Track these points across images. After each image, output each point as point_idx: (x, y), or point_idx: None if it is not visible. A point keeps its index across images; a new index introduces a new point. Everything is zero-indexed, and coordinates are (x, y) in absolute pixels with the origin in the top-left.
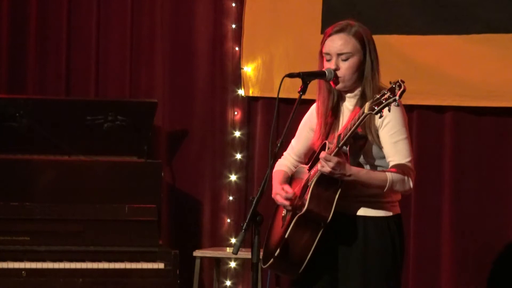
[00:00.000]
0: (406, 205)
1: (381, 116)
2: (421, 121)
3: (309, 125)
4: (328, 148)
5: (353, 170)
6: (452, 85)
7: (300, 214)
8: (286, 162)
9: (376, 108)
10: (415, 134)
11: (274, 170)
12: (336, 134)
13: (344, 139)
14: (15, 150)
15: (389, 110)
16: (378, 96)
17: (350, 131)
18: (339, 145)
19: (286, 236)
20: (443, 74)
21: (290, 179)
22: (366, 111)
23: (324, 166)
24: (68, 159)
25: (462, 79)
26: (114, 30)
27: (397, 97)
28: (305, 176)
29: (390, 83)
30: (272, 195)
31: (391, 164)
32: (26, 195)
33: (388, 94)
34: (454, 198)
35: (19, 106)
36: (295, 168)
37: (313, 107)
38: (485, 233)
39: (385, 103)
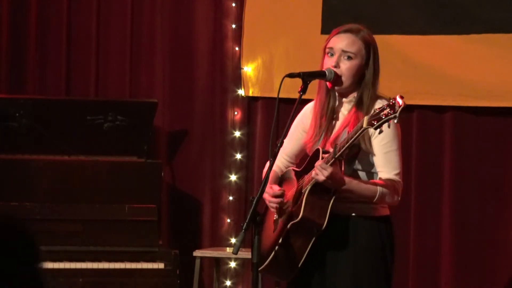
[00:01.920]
0: (406, 205)
1: (380, 132)
2: (421, 121)
3: (301, 126)
4: (322, 157)
5: (345, 180)
6: (452, 85)
7: (294, 221)
8: (277, 162)
9: (375, 123)
10: (415, 134)
11: (264, 170)
12: (329, 142)
13: (341, 151)
14: (15, 150)
15: (388, 126)
16: (377, 111)
17: (348, 144)
18: (335, 156)
19: (279, 242)
20: (443, 74)
21: (280, 181)
22: (364, 125)
23: (319, 174)
24: (68, 159)
25: (462, 79)
26: (114, 30)
27: (397, 114)
28: (294, 179)
29: (390, 99)
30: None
31: (380, 175)
32: (26, 195)
33: (388, 110)
34: (454, 198)
35: (19, 106)
36: (286, 168)
37: (307, 107)
38: (485, 232)
39: (385, 119)
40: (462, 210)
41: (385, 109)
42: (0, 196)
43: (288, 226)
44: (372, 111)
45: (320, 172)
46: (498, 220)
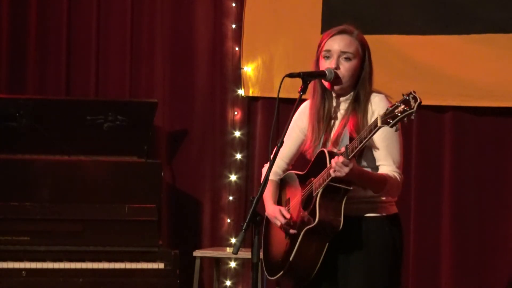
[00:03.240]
0: (406, 205)
1: (396, 130)
2: (421, 121)
3: (298, 126)
4: (335, 156)
5: (360, 171)
6: (452, 85)
7: (310, 226)
8: (274, 167)
9: (390, 121)
10: (415, 134)
11: (263, 170)
12: (331, 142)
13: (354, 151)
14: (15, 150)
15: (396, 130)
16: (390, 109)
17: (361, 145)
18: (349, 158)
19: (295, 248)
20: (443, 74)
21: (281, 186)
22: (379, 124)
23: (340, 171)
24: (68, 159)
25: (462, 79)
26: (114, 30)
27: (414, 110)
28: (298, 183)
29: (403, 95)
30: (267, 214)
31: (382, 168)
32: (26, 195)
33: (403, 106)
34: (454, 198)
35: (19, 106)
36: (284, 172)
37: (302, 108)
38: (485, 232)
39: (401, 116)
40: (462, 210)
41: (399, 106)
42: (0, 196)
43: (303, 231)
44: (385, 110)
45: (342, 169)
46: (498, 220)
